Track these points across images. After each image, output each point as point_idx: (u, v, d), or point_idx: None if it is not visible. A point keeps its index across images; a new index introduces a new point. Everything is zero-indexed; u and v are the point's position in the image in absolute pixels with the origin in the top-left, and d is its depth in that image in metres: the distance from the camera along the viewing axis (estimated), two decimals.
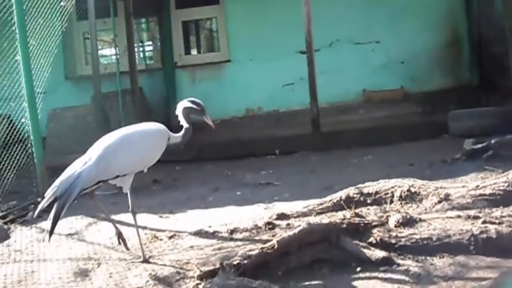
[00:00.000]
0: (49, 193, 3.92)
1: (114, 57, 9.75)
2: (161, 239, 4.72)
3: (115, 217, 5.58)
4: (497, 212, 4.27)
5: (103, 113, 8.80)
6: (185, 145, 4.52)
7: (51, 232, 3.92)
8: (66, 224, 5.49)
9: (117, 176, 4.13)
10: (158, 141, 4.24)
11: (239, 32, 10.63)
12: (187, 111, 4.28)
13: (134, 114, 9.03)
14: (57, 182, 3.94)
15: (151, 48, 12.10)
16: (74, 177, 3.92)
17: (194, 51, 11.81)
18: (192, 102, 4.29)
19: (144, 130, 4.27)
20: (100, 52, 9.73)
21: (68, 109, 8.97)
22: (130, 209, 4.30)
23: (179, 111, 4.28)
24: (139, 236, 4.35)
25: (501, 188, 4.53)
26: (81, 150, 7.56)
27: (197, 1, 11.00)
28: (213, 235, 4.63)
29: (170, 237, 4.73)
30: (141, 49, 11.70)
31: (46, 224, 5.45)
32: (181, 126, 4.34)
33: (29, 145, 6.30)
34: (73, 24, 9.60)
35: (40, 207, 3.98)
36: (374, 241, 3.98)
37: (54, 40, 6.85)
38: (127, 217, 5.50)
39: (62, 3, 6.93)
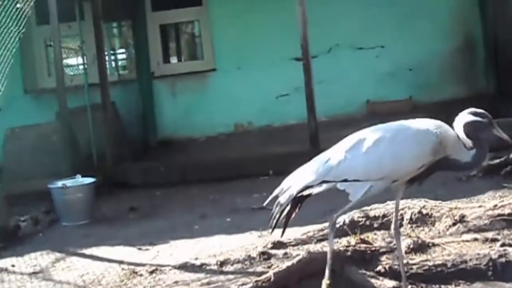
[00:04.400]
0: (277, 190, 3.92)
1: (81, 67, 9.85)
2: (140, 275, 4.79)
3: (85, 251, 5.71)
4: None
5: (70, 132, 8.89)
6: None
7: (273, 228, 3.94)
8: (29, 260, 5.60)
9: (345, 180, 3.75)
10: (410, 146, 3.67)
11: (225, 37, 10.79)
12: (471, 127, 3.63)
13: (106, 133, 9.13)
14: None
15: (124, 56, 12.21)
16: (300, 172, 3.87)
17: (174, 59, 11.95)
18: (474, 113, 3.66)
19: (399, 128, 3.77)
20: (65, 61, 9.82)
21: (29, 128, 8.98)
22: (392, 228, 3.92)
23: (459, 128, 3.66)
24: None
25: None
26: (46, 174, 7.72)
27: (176, 2, 11.11)
28: (200, 268, 4.71)
29: (151, 272, 4.81)
30: (112, 57, 11.80)
31: (5, 262, 5.57)
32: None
33: None
34: (33, 29, 9.65)
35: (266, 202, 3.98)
36: (382, 270, 4.15)
37: (10, 48, 6.92)
38: (99, 251, 5.66)
39: (18, 5, 7.02)
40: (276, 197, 3.88)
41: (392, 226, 3.93)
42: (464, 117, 3.67)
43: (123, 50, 12.16)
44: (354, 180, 3.73)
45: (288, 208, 3.88)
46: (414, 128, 3.73)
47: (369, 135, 3.77)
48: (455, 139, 3.69)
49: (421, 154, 3.64)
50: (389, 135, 3.72)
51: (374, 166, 3.68)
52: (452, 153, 3.67)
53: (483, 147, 3.66)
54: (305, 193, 3.81)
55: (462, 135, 3.66)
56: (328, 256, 3.88)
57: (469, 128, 3.63)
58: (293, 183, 3.83)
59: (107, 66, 10.10)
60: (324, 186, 3.79)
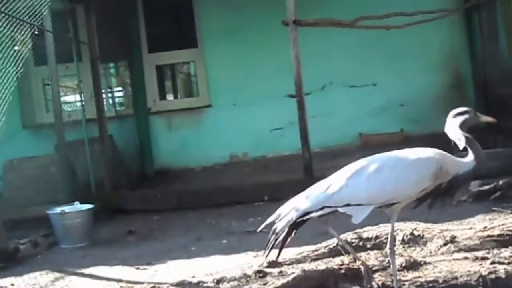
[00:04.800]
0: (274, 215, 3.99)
1: (79, 103, 10.03)
2: None
3: (84, 270, 5.79)
4: (506, 252, 4.59)
5: (68, 163, 9.03)
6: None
7: (269, 250, 4.04)
8: (29, 280, 5.67)
9: (348, 205, 3.89)
10: (411, 172, 3.84)
11: (220, 76, 11.04)
12: (464, 125, 3.99)
13: (103, 164, 9.28)
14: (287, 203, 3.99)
15: (121, 94, 12.42)
16: (300, 198, 3.95)
17: (170, 96, 12.20)
18: (460, 113, 4.05)
19: (400, 157, 3.94)
20: (63, 98, 9.98)
21: (28, 160, 9.16)
22: (388, 247, 4.09)
23: (455, 132, 3.98)
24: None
25: (510, 228, 4.84)
26: (45, 202, 7.83)
27: (172, 44, 11.38)
28: (197, 285, 4.72)
29: None
30: (110, 95, 12.01)
31: (4, 281, 5.63)
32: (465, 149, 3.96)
33: None
34: (31, 70, 9.81)
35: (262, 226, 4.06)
36: (375, 286, 4.23)
37: (8, 87, 7.12)
38: (98, 270, 5.74)
39: (16, 48, 7.23)
40: (273, 222, 3.97)
41: (388, 245, 4.07)
42: (456, 120, 4.01)
43: (120, 88, 12.39)
44: (357, 205, 3.87)
45: (284, 233, 3.97)
46: (414, 155, 3.91)
47: (370, 163, 3.93)
48: (454, 160, 3.90)
49: (423, 179, 3.82)
50: (391, 163, 3.89)
51: (377, 192, 3.83)
52: (457, 172, 3.88)
53: (474, 144, 3.94)
54: (305, 218, 3.90)
55: (456, 136, 3.94)
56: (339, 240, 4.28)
57: (463, 127, 3.96)
58: (293, 209, 3.92)
59: (105, 102, 10.29)
60: (324, 211, 3.91)
